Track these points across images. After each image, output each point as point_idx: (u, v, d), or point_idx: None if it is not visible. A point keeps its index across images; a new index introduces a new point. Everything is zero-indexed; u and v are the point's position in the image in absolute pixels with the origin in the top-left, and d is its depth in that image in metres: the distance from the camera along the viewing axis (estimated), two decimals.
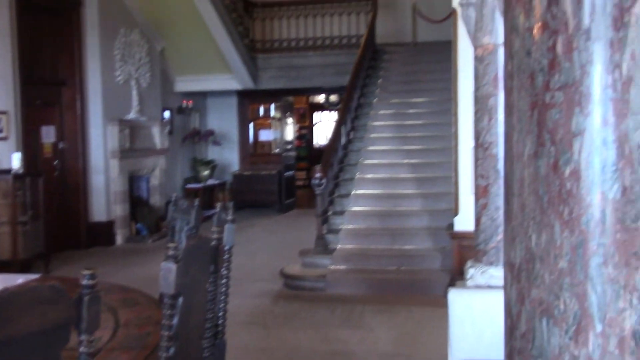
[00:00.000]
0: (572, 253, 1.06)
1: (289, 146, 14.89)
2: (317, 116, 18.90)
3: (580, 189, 1.06)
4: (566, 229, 1.07)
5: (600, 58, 1.05)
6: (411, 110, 9.54)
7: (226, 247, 2.82)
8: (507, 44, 1.23)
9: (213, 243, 2.52)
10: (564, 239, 1.07)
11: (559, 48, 1.09)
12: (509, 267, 1.22)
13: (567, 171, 1.08)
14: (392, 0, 12.73)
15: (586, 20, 1.06)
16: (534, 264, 1.13)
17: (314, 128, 18.86)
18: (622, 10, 1.03)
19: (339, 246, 7.31)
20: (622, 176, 1.03)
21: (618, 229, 1.03)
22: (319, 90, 14.64)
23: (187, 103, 12.38)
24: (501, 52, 4.59)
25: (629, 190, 1.03)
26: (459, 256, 6.06)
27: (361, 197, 8.02)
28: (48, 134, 8.79)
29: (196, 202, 3.85)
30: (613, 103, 1.04)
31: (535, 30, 1.13)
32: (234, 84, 11.94)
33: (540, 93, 1.12)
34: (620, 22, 1.03)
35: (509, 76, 1.22)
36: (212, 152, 13.09)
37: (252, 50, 11.91)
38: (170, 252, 2.03)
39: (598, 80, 1.05)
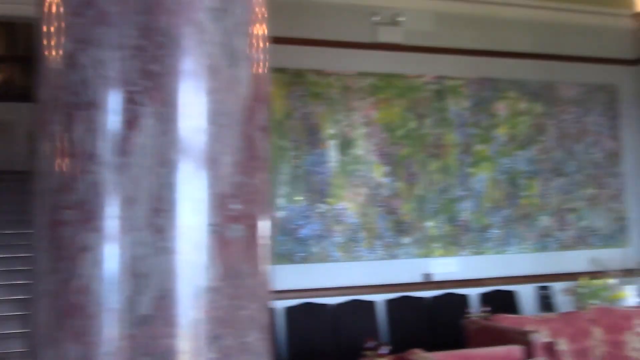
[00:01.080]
0: None
1: None
2: None
3: (89, 302, 1.12)
4: (75, 341, 1.11)
5: (111, 181, 1.16)
6: (23, 242, 8.87)
7: None
8: (33, 166, 1.28)
9: None
10: (72, 352, 1.11)
11: (71, 171, 1.17)
12: None
13: (78, 286, 1.13)
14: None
15: (94, 147, 1.16)
16: None
17: None
18: (125, 139, 1.17)
19: None
20: (125, 288, 1.12)
21: (124, 336, 1.11)
22: None
23: None
24: None
25: (130, 299, 1.12)
26: None
27: None
28: None
29: None
30: (117, 220, 1.14)
31: (51, 154, 1.20)
32: None
33: (55, 212, 1.17)
34: (123, 149, 1.16)
35: (33, 195, 1.25)
36: None
37: None
38: None
39: (104, 200, 1.15)
